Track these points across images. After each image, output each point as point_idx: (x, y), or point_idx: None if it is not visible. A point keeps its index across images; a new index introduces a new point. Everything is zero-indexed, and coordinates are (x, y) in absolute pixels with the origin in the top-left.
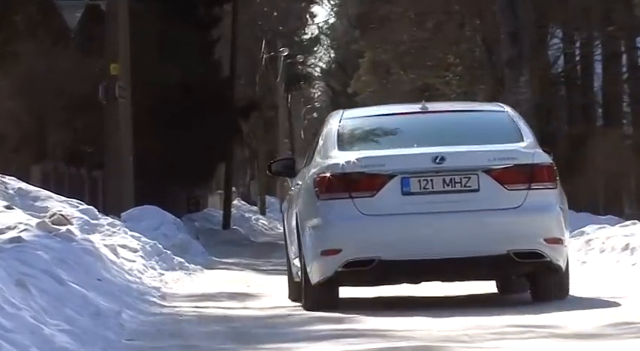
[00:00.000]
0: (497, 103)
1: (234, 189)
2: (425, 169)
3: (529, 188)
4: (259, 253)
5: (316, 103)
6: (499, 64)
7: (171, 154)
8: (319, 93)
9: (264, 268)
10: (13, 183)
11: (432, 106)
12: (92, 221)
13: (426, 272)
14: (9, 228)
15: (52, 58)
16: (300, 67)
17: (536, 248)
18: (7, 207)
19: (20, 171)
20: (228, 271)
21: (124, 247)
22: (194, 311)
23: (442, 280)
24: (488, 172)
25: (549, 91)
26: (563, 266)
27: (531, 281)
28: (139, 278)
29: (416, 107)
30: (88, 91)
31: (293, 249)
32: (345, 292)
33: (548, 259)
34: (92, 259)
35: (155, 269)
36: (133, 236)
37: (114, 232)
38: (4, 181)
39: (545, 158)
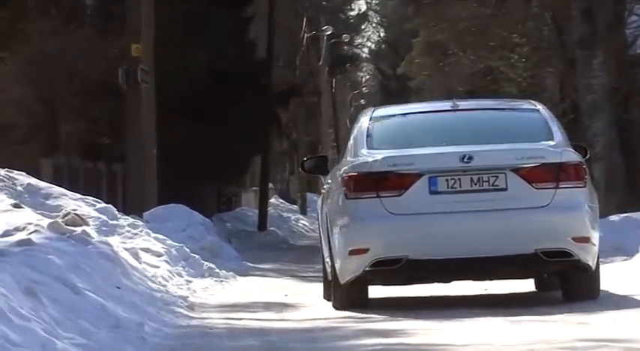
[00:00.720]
0: (530, 101)
1: (271, 185)
2: (453, 168)
3: (557, 187)
4: (299, 257)
5: (364, 88)
6: (570, 45)
7: (200, 147)
8: (367, 77)
9: (305, 275)
10: (22, 179)
11: (463, 104)
12: (111, 222)
13: (453, 271)
14: (17, 229)
15: (65, 38)
16: (345, 47)
17: (565, 247)
18: (16, 205)
19: (29, 165)
20: (264, 278)
21: (146, 250)
22: (225, 323)
23: (471, 280)
24: (516, 170)
25: (627, 74)
26: (593, 265)
27: (562, 280)
28: (164, 286)
29: (447, 105)
30: (106, 75)
31: (325, 248)
32: (383, 292)
33: (577, 258)
34: (111, 265)
35: (182, 276)
36: (156, 239)
37: (135, 233)
38: (11, 177)
39: (573, 157)
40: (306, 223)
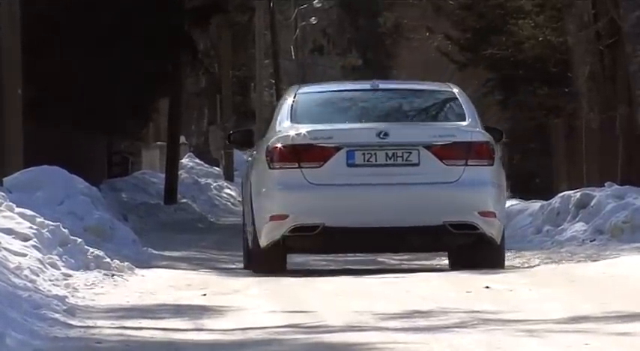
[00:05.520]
0: (448, 84)
1: (183, 139)
2: (369, 143)
3: (466, 164)
4: (223, 241)
5: (315, 1)
6: None
7: (84, 85)
8: None
9: (231, 267)
10: None
11: (383, 84)
12: None
13: (367, 240)
14: None
15: None
16: None
17: (471, 220)
18: None
19: None
20: (174, 270)
21: (7, 232)
22: (119, 335)
23: (386, 250)
24: (428, 147)
25: None
26: (497, 239)
27: (471, 253)
28: (32, 282)
29: (367, 85)
30: None
31: (248, 216)
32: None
33: (482, 231)
34: None
35: (58, 268)
36: (22, 215)
37: None
38: None
39: (482, 137)
40: (233, 193)
